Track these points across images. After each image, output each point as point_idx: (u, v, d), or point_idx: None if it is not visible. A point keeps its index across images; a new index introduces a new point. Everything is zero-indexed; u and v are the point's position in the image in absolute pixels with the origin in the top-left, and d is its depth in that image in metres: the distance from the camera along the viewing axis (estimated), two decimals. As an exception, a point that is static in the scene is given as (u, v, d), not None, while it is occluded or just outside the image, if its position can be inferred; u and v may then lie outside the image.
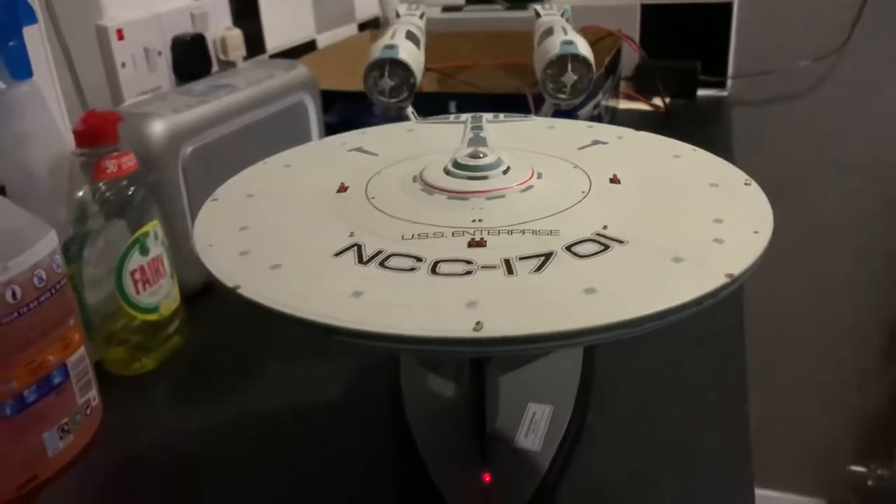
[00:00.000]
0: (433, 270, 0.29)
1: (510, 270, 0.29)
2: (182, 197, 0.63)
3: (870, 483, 1.35)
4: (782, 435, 1.42)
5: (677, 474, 0.43)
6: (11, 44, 0.51)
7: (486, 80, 0.92)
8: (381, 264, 0.30)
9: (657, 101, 1.12)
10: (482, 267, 0.29)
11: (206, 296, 0.66)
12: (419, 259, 0.30)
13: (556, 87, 0.47)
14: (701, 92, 1.17)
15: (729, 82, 1.20)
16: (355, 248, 0.31)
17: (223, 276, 0.29)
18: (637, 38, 1.20)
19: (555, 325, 0.25)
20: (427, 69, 0.53)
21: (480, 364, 0.45)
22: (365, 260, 0.30)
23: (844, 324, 1.33)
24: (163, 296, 0.56)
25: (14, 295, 0.43)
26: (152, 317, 0.55)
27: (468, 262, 0.29)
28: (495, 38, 1.04)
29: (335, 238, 0.32)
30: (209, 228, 0.33)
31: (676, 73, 1.15)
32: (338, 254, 0.30)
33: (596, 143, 0.41)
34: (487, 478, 0.42)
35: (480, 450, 0.44)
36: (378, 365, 0.54)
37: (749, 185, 0.35)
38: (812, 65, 1.19)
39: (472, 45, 1.03)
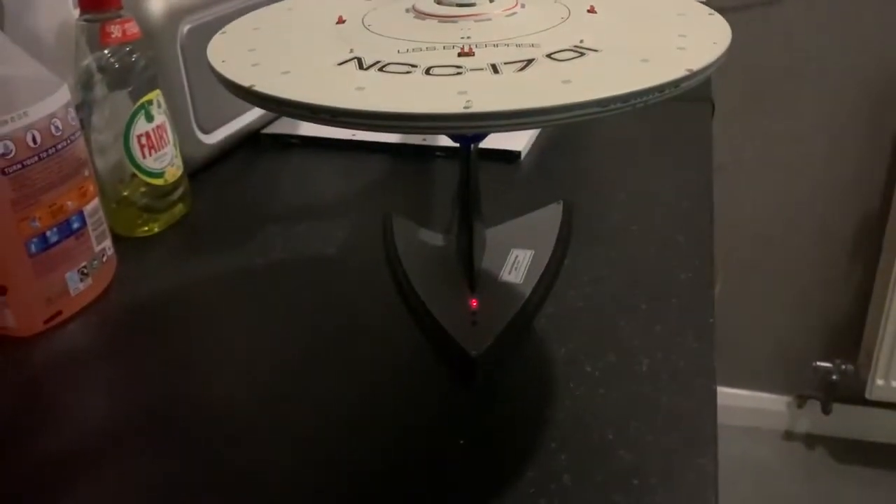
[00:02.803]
0: (427, 72, 0.32)
1: (496, 71, 0.32)
2: (181, 76, 0.65)
3: (834, 378, 1.42)
4: (750, 335, 1.49)
5: (646, 303, 0.48)
6: None
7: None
8: (380, 70, 0.33)
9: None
10: (471, 69, 0.33)
11: (206, 172, 0.69)
12: (414, 66, 0.33)
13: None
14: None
15: (709, -12, 1.22)
16: (355, 59, 0.34)
17: (238, 80, 0.33)
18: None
19: (534, 103, 0.29)
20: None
21: (468, 218, 0.49)
22: (365, 67, 0.33)
23: (813, 225, 1.38)
24: (167, 162, 0.59)
25: (34, 140, 0.46)
26: (158, 181, 0.58)
27: (458, 67, 0.33)
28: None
29: (337, 53, 0.35)
30: (221, 50, 0.36)
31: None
32: (340, 63, 0.34)
33: (575, -10, 0.44)
34: (474, 303, 0.47)
35: (469, 283, 0.48)
36: (373, 227, 0.58)
37: (713, 15, 0.39)
38: (790, -29, 1.21)
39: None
